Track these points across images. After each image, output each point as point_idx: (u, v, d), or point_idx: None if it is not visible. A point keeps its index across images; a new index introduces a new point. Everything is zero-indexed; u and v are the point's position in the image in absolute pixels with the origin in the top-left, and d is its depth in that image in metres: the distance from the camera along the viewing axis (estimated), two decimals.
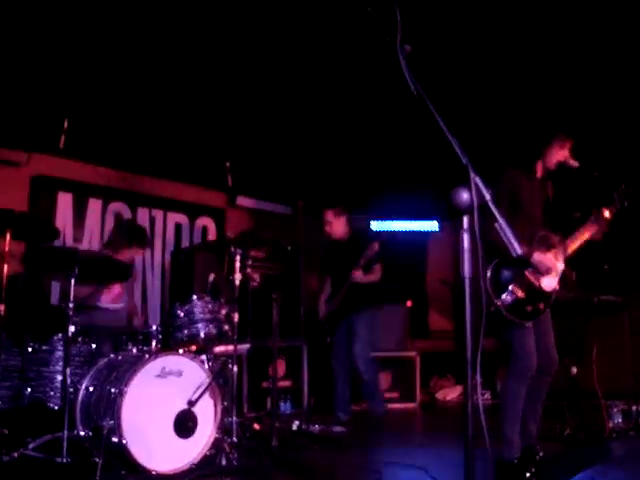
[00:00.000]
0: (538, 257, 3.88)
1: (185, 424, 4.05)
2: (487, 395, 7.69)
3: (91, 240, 6.80)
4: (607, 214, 4.18)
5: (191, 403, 4.07)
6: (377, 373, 6.32)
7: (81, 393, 4.15)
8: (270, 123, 6.80)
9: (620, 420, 5.40)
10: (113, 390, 3.91)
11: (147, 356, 4.11)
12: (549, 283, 3.97)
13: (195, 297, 4.62)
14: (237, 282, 4.73)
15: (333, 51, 5.43)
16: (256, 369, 6.66)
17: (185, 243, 7.73)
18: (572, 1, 5.05)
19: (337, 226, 6.29)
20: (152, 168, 7.21)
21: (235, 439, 4.43)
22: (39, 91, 5.57)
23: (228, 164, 5.21)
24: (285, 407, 6.89)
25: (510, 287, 3.85)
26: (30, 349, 4.40)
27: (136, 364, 3.99)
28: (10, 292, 4.14)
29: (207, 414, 4.18)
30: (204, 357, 4.44)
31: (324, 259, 6.54)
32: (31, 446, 3.95)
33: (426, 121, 2.12)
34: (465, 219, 2.00)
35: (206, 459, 4.15)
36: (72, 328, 4.06)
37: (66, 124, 4.12)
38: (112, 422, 3.79)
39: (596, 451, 4.73)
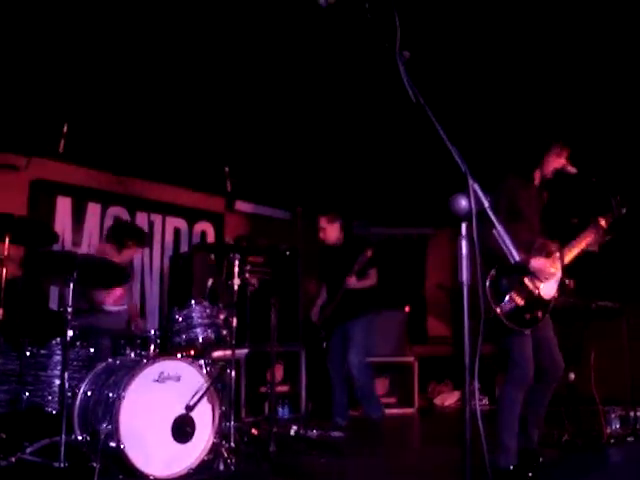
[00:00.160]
0: (536, 263, 3.89)
1: (183, 429, 4.05)
2: (485, 401, 7.70)
3: (90, 244, 6.81)
4: (603, 223, 4.20)
5: (189, 408, 4.07)
6: (372, 378, 6.29)
7: (79, 397, 4.14)
8: (269, 128, 6.80)
9: (618, 426, 5.40)
10: (111, 395, 3.90)
11: (145, 361, 4.11)
12: (548, 291, 3.99)
13: (193, 302, 4.62)
14: (235, 287, 4.74)
15: (332, 57, 5.44)
16: (254, 374, 6.66)
17: (184, 248, 7.73)
18: (568, 10, 5.07)
19: (331, 232, 6.27)
20: (151, 173, 7.22)
21: (233, 444, 4.43)
22: (39, 96, 5.58)
23: (227, 169, 5.23)
24: (283, 412, 6.89)
25: (509, 294, 3.85)
26: (28, 353, 4.40)
27: (134, 369, 3.98)
28: (8, 296, 4.14)
29: (205, 419, 4.18)
30: (202, 362, 4.43)
31: (320, 265, 6.55)
32: (29, 450, 3.95)
33: (425, 127, 2.13)
34: (464, 226, 2.01)
35: (204, 464, 4.14)
36: (70, 332, 4.06)
37: (65, 128, 4.13)
38: (110, 427, 3.78)
39: (594, 457, 4.74)
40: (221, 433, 4.36)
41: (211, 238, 8.04)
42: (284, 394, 6.96)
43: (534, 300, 3.93)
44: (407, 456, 5.10)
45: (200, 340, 4.53)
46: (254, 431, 5.23)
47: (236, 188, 5.33)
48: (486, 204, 2.00)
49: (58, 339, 4.45)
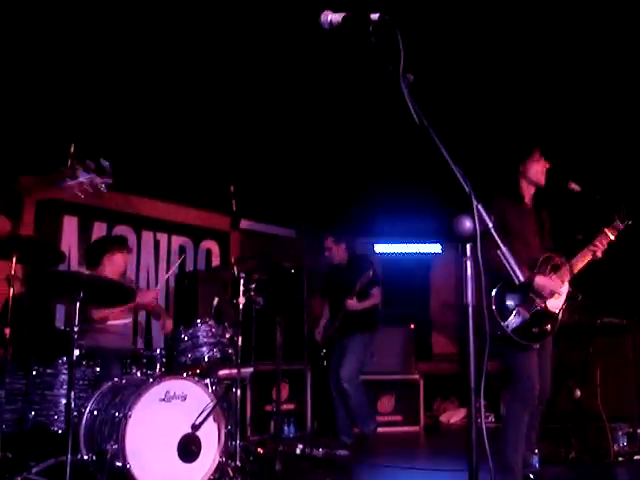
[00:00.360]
0: (540, 281, 3.89)
1: (189, 448, 4.04)
2: (491, 418, 7.66)
3: None
4: (610, 234, 4.18)
5: (195, 427, 4.06)
6: (364, 393, 6.24)
7: (85, 417, 4.14)
8: (274, 148, 6.85)
9: (625, 443, 5.38)
10: (117, 414, 3.91)
11: (151, 380, 4.11)
12: (555, 304, 3.98)
13: (199, 321, 4.63)
14: (241, 305, 4.75)
15: (336, 77, 5.50)
16: (259, 392, 6.65)
17: (189, 266, 7.75)
18: (554, 30, 5.15)
19: (337, 252, 6.34)
20: (156, 191, 7.26)
21: (239, 463, 4.43)
22: (46, 116, 5.64)
23: (232, 188, 5.25)
24: (289, 431, 6.86)
25: (516, 310, 3.86)
26: (34, 372, 4.40)
27: (140, 388, 3.99)
28: (15, 313, 4.15)
29: (211, 438, 4.17)
30: (208, 381, 4.44)
31: (323, 283, 6.57)
32: (34, 470, 3.93)
33: (429, 147, 2.15)
34: (468, 247, 2.02)
35: None
36: (77, 352, 4.07)
37: (72, 148, 4.15)
38: (116, 446, 3.78)
39: (601, 475, 4.72)
40: (227, 452, 4.36)
41: (216, 256, 8.07)
42: (290, 412, 6.94)
43: (541, 314, 3.93)
44: (413, 474, 5.08)
45: (206, 359, 4.54)
46: (260, 450, 5.21)
47: (241, 206, 5.34)
48: (490, 224, 2.02)
49: (64, 358, 4.46)
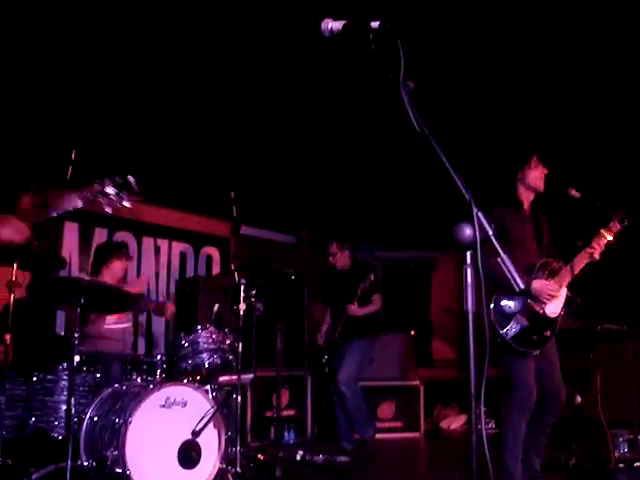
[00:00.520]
0: (538, 285, 3.91)
1: (189, 454, 4.04)
2: (491, 424, 7.65)
3: None
4: (607, 235, 4.17)
5: (195, 433, 4.06)
6: (362, 398, 6.23)
7: (85, 423, 4.13)
8: (275, 154, 6.87)
9: (626, 450, 5.36)
10: (117, 420, 3.91)
11: (151, 386, 4.12)
12: (553, 309, 3.99)
13: (199, 327, 4.63)
14: (241, 312, 4.76)
15: (336, 84, 5.52)
16: (260, 398, 6.65)
17: (190, 272, 7.76)
18: (553, 35, 5.17)
19: (342, 258, 6.35)
20: (157, 198, 7.26)
21: (239, 469, 4.43)
22: (46, 125, 5.66)
23: (233, 194, 5.26)
24: (289, 437, 6.86)
25: (515, 317, 3.87)
26: (35, 378, 4.40)
27: (140, 394, 3.99)
28: (16, 320, 4.16)
29: (211, 444, 4.17)
30: (208, 387, 4.44)
31: (324, 289, 6.57)
32: (34, 476, 3.93)
33: (429, 154, 2.16)
34: (468, 254, 2.03)
35: None
36: (77, 358, 4.07)
37: (73, 155, 4.18)
38: (116, 452, 3.78)
39: None
40: (227, 458, 4.36)
41: (217, 262, 8.08)
42: (290, 419, 6.94)
43: (540, 320, 3.94)
44: None
45: (206, 365, 4.53)
46: (260, 456, 5.22)
47: (242, 213, 5.36)
48: (490, 232, 2.03)
49: (65, 364, 4.46)
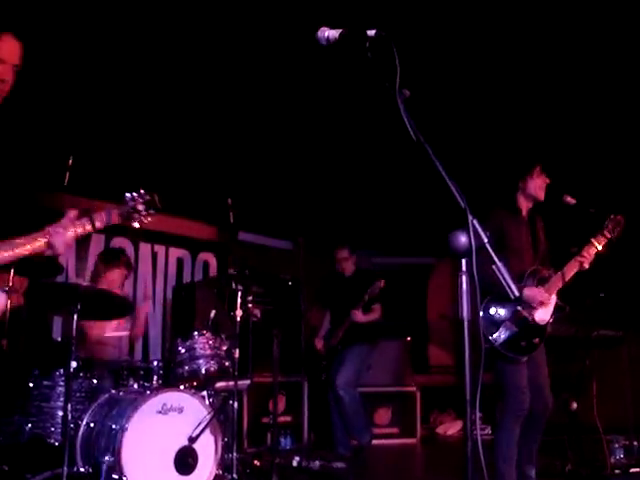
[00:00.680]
0: (529, 292, 3.94)
1: (186, 461, 4.04)
2: (487, 430, 7.65)
3: None
4: (597, 244, 4.20)
5: (192, 439, 4.06)
6: (360, 404, 6.24)
7: (81, 429, 4.13)
8: (272, 160, 6.89)
9: (622, 456, 5.38)
10: (114, 426, 3.91)
11: (148, 392, 4.12)
12: (542, 317, 4.01)
13: (196, 333, 4.63)
14: (238, 318, 4.76)
15: (333, 91, 5.55)
16: (256, 404, 6.65)
17: (187, 278, 7.76)
18: (555, 43, 5.21)
19: (349, 264, 6.37)
20: None
21: (235, 475, 4.42)
22: (44, 132, 5.66)
23: (230, 201, 5.27)
24: (285, 443, 6.86)
25: (504, 323, 3.89)
26: (31, 384, 4.40)
27: (137, 400, 3.99)
28: (13, 326, 4.15)
29: (208, 450, 4.17)
30: (205, 393, 4.44)
31: (325, 293, 6.58)
32: None
33: (425, 162, 2.17)
34: (463, 262, 2.04)
35: None
36: (74, 364, 4.07)
37: (70, 162, 4.20)
38: (112, 458, 3.78)
39: None
40: (224, 464, 4.36)
41: (214, 268, 8.07)
42: (286, 425, 6.94)
43: (529, 327, 3.96)
44: None
45: (203, 371, 4.52)
46: (256, 462, 5.22)
47: (239, 219, 5.37)
48: (485, 240, 2.04)
49: (61, 370, 4.45)
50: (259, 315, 5.13)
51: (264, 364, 5.70)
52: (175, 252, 7.71)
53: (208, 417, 4.15)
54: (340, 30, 2.35)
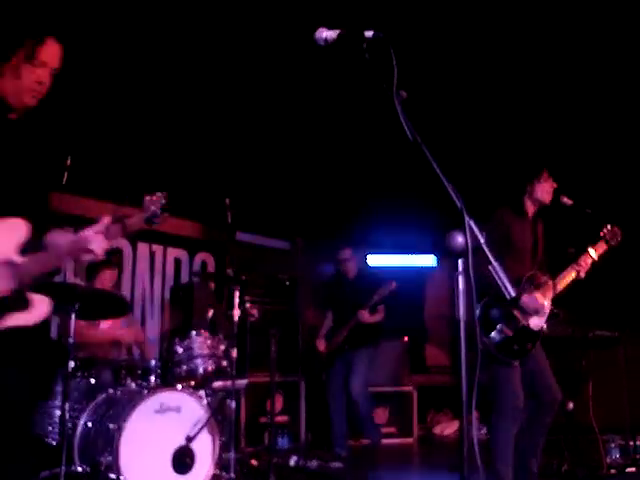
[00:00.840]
0: (527, 299, 3.94)
1: (183, 460, 4.04)
2: (484, 430, 7.65)
3: None
4: (593, 254, 4.24)
5: (189, 439, 4.07)
6: (372, 405, 6.30)
7: (79, 428, 4.14)
8: (270, 161, 6.89)
9: (618, 456, 5.39)
10: (111, 426, 3.91)
11: (146, 392, 4.13)
12: (537, 323, 4.03)
13: (194, 333, 4.64)
14: (236, 318, 4.77)
15: (331, 92, 5.56)
16: (254, 404, 6.65)
17: (184, 278, 7.76)
18: (559, 47, 5.21)
19: (352, 265, 6.38)
20: None
21: (233, 475, 4.42)
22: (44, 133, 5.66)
23: (228, 201, 5.28)
24: (282, 442, 6.86)
25: (499, 326, 3.90)
26: None
27: (135, 400, 4.00)
28: None
29: (205, 450, 4.18)
30: (202, 393, 4.44)
31: (328, 293, 6.58)
32: None
33: (423, 161, 2.18)
34: (460, 262, 2.05)
35: None
36: (72, 363, 4.07)
37: (69, 161, 4.19)
38: (110, 458, 3.79)
39: None
40: (221, 464, 4.36)
41: (212, 269, 8.07)
42: (284, 424, 6.93)
43: (523, 332, 3.97)
44: None
45: (200, 371, 4.54)
46: (254, 462, 5.21)
47: (236, 219, 5.37)
48: (482, 240, 2.05)
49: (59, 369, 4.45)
50: (257, 315, 5.13)
51: (261, 364, 5.70)
52: (173, 252, 7.71)
53: (206, 416, 4.15)
54: (338, 31, 2.35)
